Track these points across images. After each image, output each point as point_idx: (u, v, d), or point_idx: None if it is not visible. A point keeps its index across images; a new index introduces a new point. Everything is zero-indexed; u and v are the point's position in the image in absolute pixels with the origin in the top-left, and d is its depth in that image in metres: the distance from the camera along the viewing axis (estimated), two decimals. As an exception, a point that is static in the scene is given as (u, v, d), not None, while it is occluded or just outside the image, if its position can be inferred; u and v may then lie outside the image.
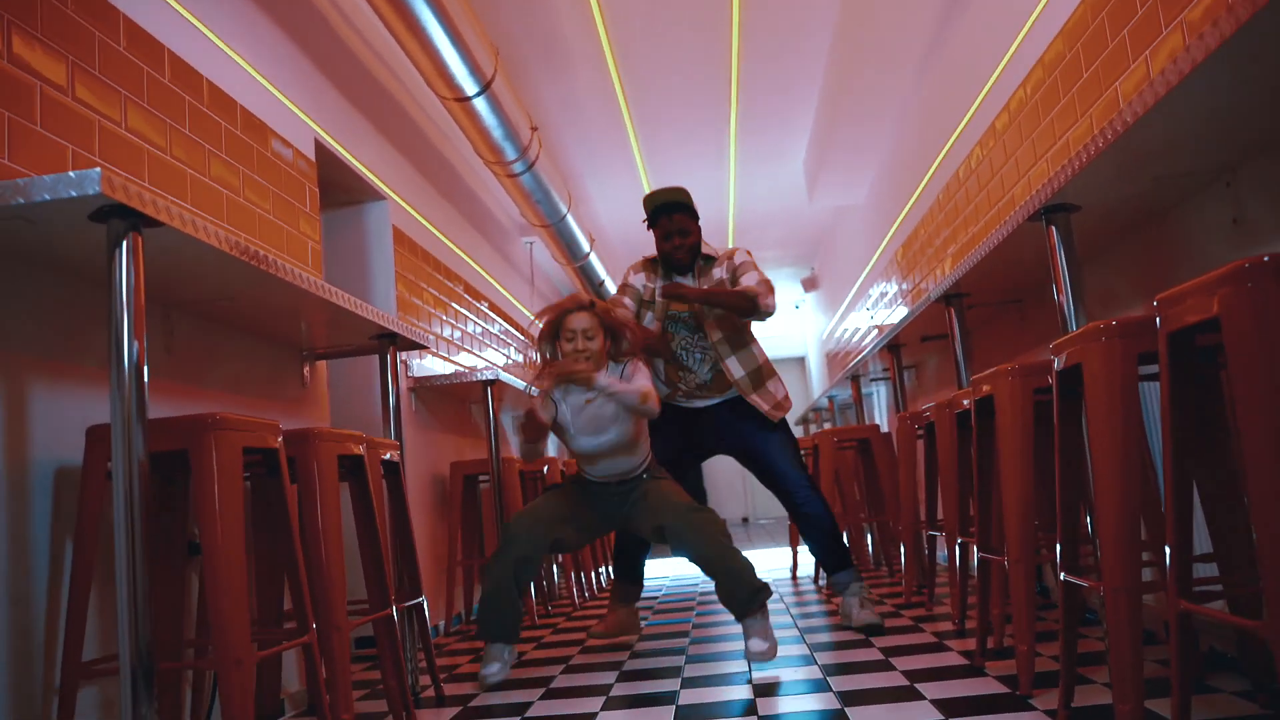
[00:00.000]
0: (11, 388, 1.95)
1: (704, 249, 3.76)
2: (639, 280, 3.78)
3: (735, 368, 3.69)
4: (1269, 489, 1.26)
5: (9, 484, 1.90)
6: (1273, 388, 1.25)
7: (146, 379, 1.77)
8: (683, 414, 3.79)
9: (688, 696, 2.62)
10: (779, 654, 2.99)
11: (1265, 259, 1.28)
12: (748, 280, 3.62)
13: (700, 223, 3.76)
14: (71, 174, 1.61)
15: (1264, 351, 1.26)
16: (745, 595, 2.94)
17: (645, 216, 3.76)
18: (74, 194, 1.61)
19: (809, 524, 3.69)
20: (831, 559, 3.66)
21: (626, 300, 3.75)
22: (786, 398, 3.81)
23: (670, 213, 3.65)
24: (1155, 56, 2.57)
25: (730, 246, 3.79)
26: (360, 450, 2.57)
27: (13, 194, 1.63)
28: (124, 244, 1.76)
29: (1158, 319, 1.54)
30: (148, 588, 1.71)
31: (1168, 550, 1.53)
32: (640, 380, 3.09)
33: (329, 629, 2.28)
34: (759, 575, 3.00)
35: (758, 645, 2.86)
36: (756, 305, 3.54)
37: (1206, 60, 1.57)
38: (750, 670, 2.90)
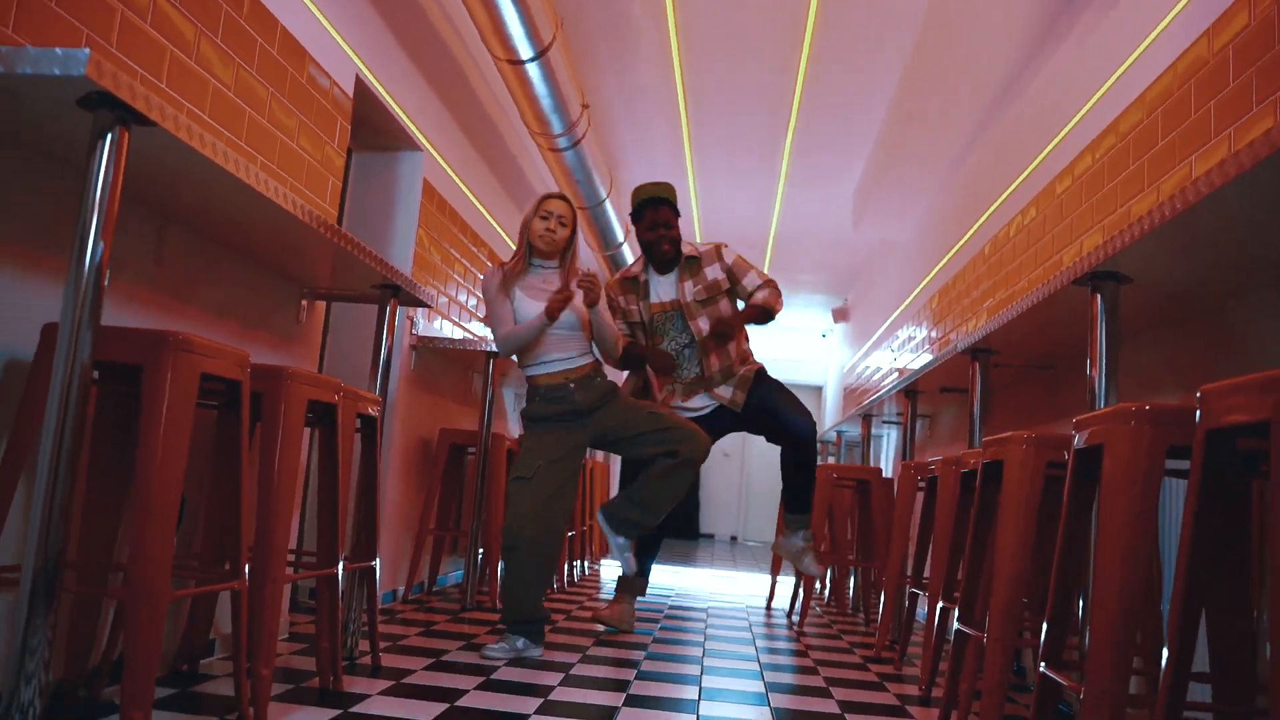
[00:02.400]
0: (-28, 268, 1.84)
1: (685, 249, 4.02)
2: (621, 300, 4.06)
3: (714, 362, 4.03)
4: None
5: (-50, 368, 1.79)
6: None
7: (106, 281, 1.65)
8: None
9: (627, 716, 2.48)
10: (733, 687, 2.85)
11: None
12: (750, 282, 4.00)
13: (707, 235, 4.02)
14: (58, 51, 1.49)
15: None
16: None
17: (631, 209, 4.02)
18: (58, 72, 1.49)
19: (792, 446, 4.06)
20: (794, 497, 4.15)
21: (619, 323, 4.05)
22: (748, 359, 4.13)
23: (656, 206, 3.92)
24: (1240, 135, 2.41)
25: (703, 242, 3.97)
26: (335, 399, 2.44)
27: (-7, 61, 1.51)
28: (107, 137, 1.65)
29: (1198, 412, 1.39)
30: (66, 497, 1.59)
31: (1164, 663, 1.37)
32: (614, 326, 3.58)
33: (263, 578, 2.16)
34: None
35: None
36: (774, 315, 3.98)
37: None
38: (699, 701, 2.76)
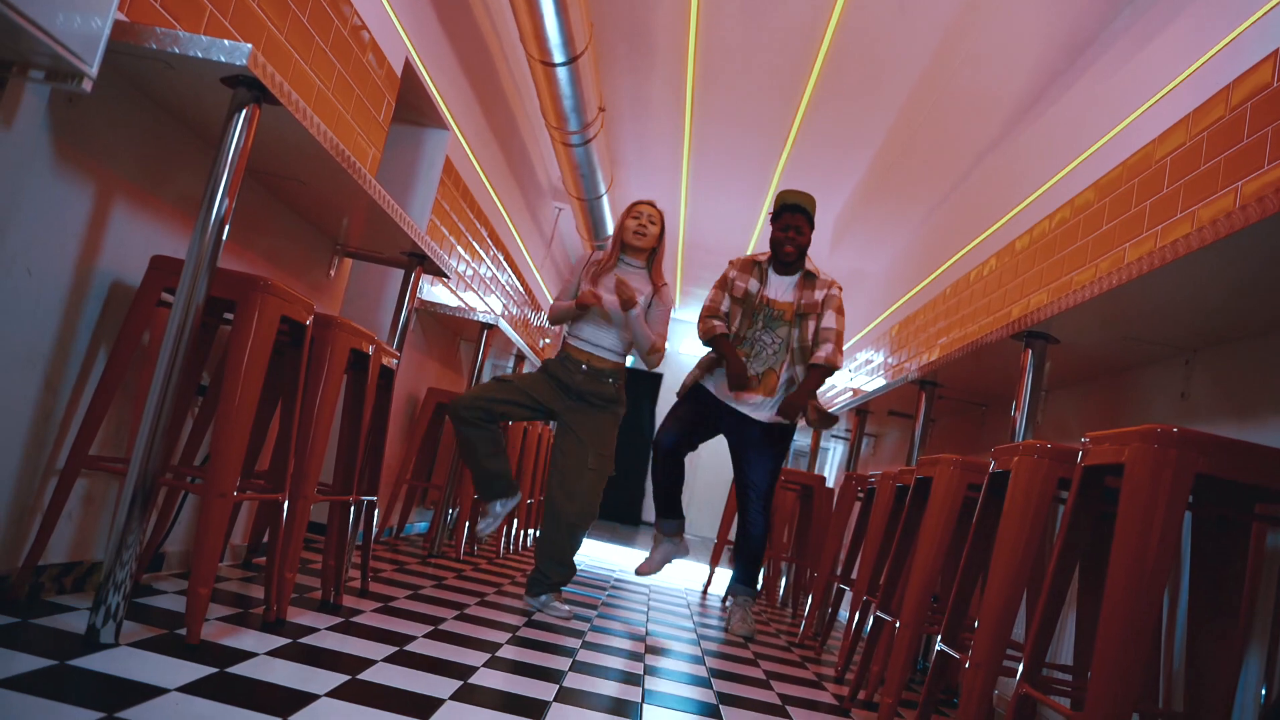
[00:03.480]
0: (100, 199, 2.17)
1: (808, 264, 4.21)
2: (737, 276, 4.24)
3: (785, 374, 4.17)
4: (1114, 607, 1.52)
5: (74, 281, 2.12)
6: (1144, 531, 1.52)
7: (225, 234, 2.00)
8: (713, 402, 4.24)
9: (584, 656, 2.88)
10: (676, 648, 3.26)
11: (1174, 430, 1.54)
12: (827, 321, 4.10)
13: (811, 234, 4.20)
14: (225, 43, 1.84)
15: (1147, 502, 1.53)
16: (559, 579, 3.68)
17: (772, 210, 4.28)
18: (222, 59, 1.84)
19: (745, 539, 4.22)
20: (746, 574, 4.26)
21: (723, 295, 4.24)
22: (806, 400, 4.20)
23: (794, 212, 4.15)
24: (1167, 233, 2.85)
25: (831, 276, 4.23)
26: (369, 350, 2.80)
27: (170, 43, 1.85)
28: (243, 112, 1.99)
29: (1080, 452, 1.80)
30: (172, 411, 1.94)
31: (1027, 638, 1.79)
32: (658, 326, 3.79)
33: (299, 495, 2.52)
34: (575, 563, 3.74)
35: (556, 609, 3.60)
36: (833, 372, 4.14)
37: (1191, 254, 1.84)
38: (645, 653, 3.16)
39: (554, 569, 3.63)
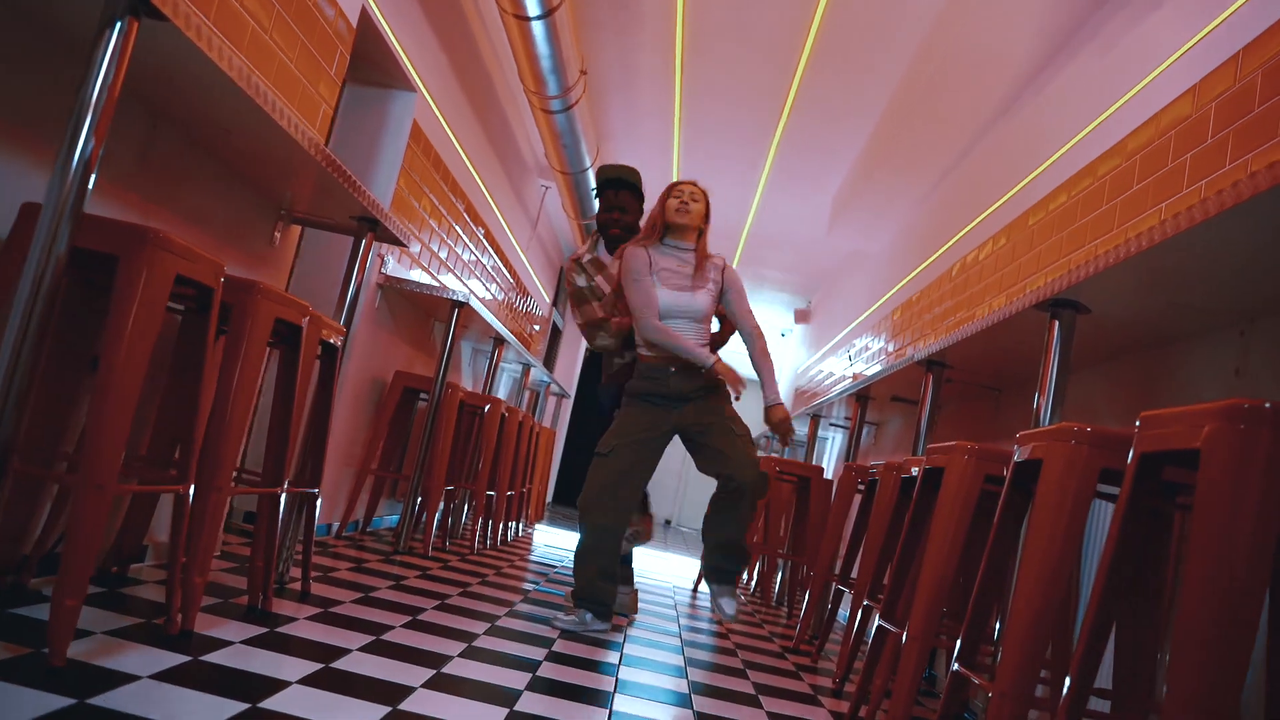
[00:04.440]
0: (-43, 137, 1.83)
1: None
2: (580, 280, 3.87)
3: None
4: (1196, 635, 1.18)
5: (-78, 233, 1.78)
6: (1232, 533, 1.17)
7: (94, 176, 1.65)
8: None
9: (549, 670, 2.54)
10: (653, 657, 2.92)
11: (1266, 405, 1.20)
12: (743, 308, 3.54)
13: (643, 207, 3.92)
14: (79, -73, 1.48)
15: (1236, 499, 1.18)
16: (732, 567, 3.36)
17: (595, 187, 3.98)
18: (76, -51, 1.49)
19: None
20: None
21: (594, 305, 3.85)
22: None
23: (618, 188, 3.87)
24: (1212, 189, 2.50)
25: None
26: (301, 322, 2.45)
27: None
28: (116, 25, 1.64)
29: (1135, 436, 1.46)
30: (26, 381, 1.60)
31: (1072, 674, 1.45)
32: (744, 310, 3.49)
33: (209, 487, 2.17)
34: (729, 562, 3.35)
35: (729, 605, 3.33)
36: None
37: (1253, 199, 1.49)
38: (619, 665, 2.82)
39: (731, 555, 3.32)
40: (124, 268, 1.78)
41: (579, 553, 3.30)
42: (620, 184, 3.87)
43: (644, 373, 3.37)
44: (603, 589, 3.26)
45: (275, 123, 2.12)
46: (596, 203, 4.06)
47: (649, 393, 3.35)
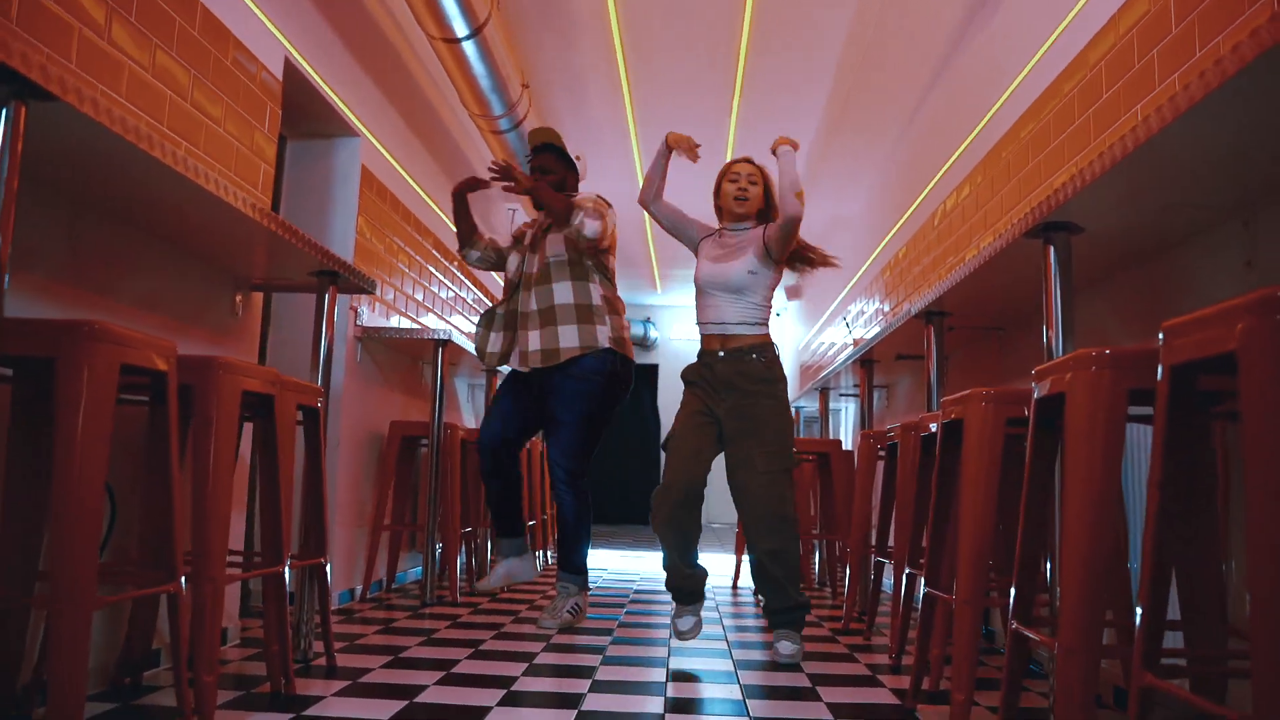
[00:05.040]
0: None
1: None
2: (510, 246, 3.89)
3: (562, 295, 3.64)
4: (1269, 558, 1.06)
5: None
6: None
7: (7, 276, 1.54)
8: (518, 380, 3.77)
9: (594, 701, 2.42)
10: (703, 667, 2.81)
11: (1302, 290, 1.08)
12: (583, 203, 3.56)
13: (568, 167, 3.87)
14: (-63, 16, 1.37)
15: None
16: (782, 607, 3.05)
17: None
18: (-59, 46, 1.38)
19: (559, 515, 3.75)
20: (569, 557, 3.71)
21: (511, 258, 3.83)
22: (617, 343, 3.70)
23: (540, 151, 3.82)
24: (1184, 80, 2.38)
25: (587, 195, 3.73)
26: (272, 390, 2.34)
27: None
28: (2, 113, 1.53)
29: (1160, 350, 1.34)
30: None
31: (1138, 614, 1.33)
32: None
33: (202, 579, 2.05)
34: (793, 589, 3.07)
35: (786, 648, 2.99)
36: (570, 215, 3.51)
37: (1239, 74, 1.38)
38: (667, 681, 2.70)
39: (778, 599, 3.05)
40: (62, 366, 1.67)
41: (665, 557, 3.17)
42: (542, 148, 3.82)
43: (700, 355, 3.25)
44: (692, 578, 3.14)
45: (206, 190, 2.02)
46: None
47: (698, 377, 3.22)
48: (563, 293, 3.63)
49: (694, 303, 3.34)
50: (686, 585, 3.14)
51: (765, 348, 3.18)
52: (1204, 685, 1.56)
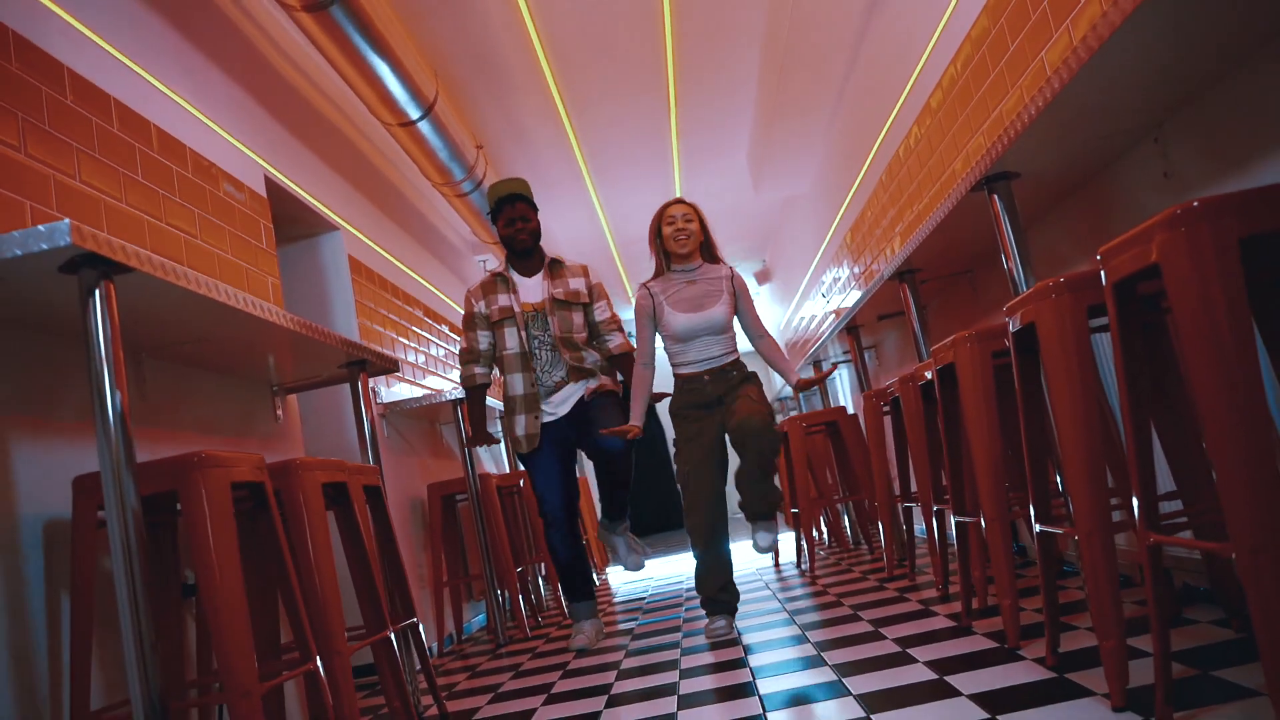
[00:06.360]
0: (-7, 446, 1.96)
1: (550, 253, 4.04)
2: (481, 306, 3.95)
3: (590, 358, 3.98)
4: (1220, 423, 1.34)
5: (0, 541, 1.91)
6: (1213, 325, 1.33)
7: (131, 427, 1.79)
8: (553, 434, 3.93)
9: (688, 686, 2.68)
10: (774, 636, 3.08)
11: (1194, 204, 1.36)
12: (601, 312, 4.00)
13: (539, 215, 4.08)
14: (41, 228, 1.63)
15: (1202, 292, 1.34)
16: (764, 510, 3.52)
17: (490, 209, 4.02)
18: (45, 246, 1.63)
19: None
20: (614, 509, 4.03)
21: (479, 334, 3.95)
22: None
23: (513, 202, 3.92)
24: (1076, 24, 2.68)
25: (577, 262, 4.03)
26: (344, 477, 2.59)
27: (-19, 253, 1.64)
28: (96, 293, 1.78)
29: (1102, 272, 1.62)
30: (153, 632, 1.73)
31: (1134, 489, 1.61)
32: (752, 317, 3.66)
33: (331, 655, 2.30)
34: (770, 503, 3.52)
35: (764, 538, 3.52)
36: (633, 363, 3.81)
37: (1125, 21, 1.66)
38: (746, 655, 2.96)
39: (759, 495, 3.45)
40: (186, 494, 1.92)
41: (698, 573, 3.51)
42: (514, 198, 3.93)
43: (683, 386, 3.53)
44: (726, 597, 3.48)
45: (244, 312, 2.26)
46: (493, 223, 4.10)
47: (692, 404, 3.51)
48: (590, 357, 3.97)
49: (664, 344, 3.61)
50: (722, 597, 3.48)
51: (737, 360, 3.58)
52: (1205, 534, 1.84)
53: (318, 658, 2.19)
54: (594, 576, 4.08)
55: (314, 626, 2.33)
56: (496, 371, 4.01)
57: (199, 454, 1.94)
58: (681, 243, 3.54)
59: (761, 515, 3.51)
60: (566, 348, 3.88)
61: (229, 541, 1.93)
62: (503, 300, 3.92)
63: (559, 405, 3.91)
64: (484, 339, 3.94)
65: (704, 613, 3.56)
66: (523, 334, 3.88)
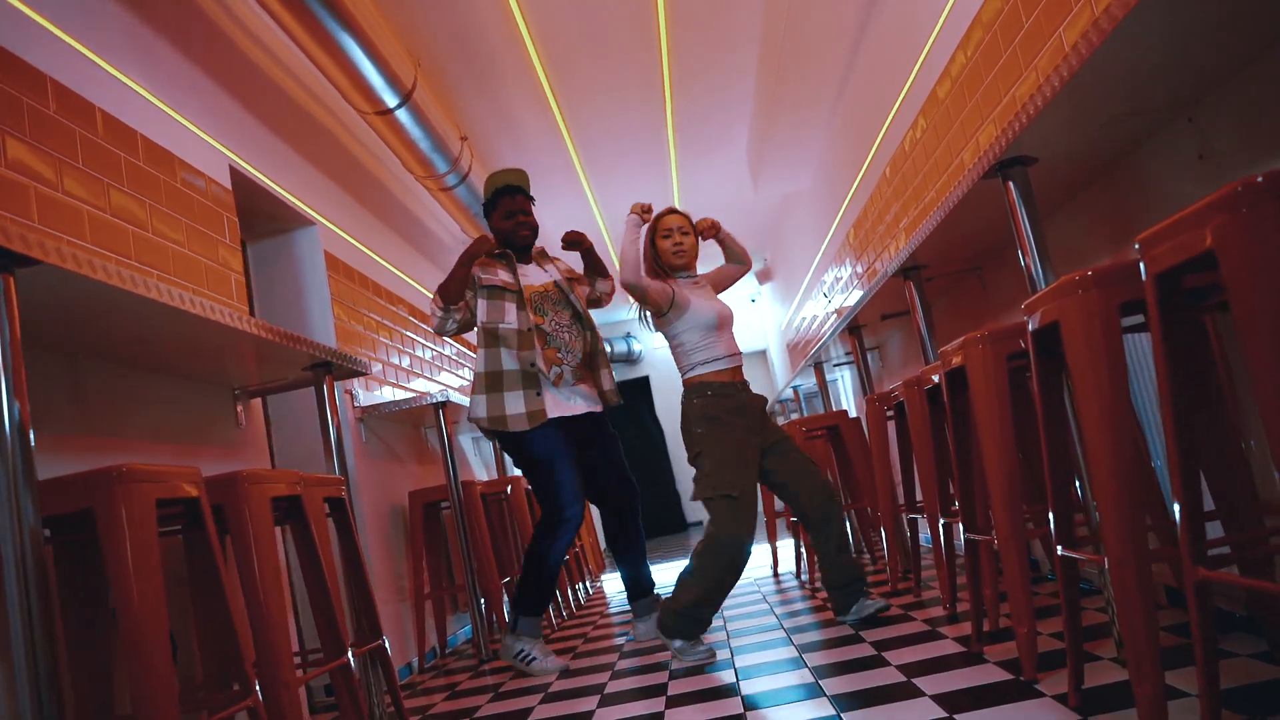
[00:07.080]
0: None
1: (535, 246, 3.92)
2: (478, 272, 3.71)
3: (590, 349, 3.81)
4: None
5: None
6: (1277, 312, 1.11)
7: (33, 438, 1.58)
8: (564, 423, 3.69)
9: (673, 717, 2.46)
10: (768, 658, 2.85)
11: (1259, 179, 1.14)
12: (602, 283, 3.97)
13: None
14: (-84, 210, 1.41)
15: (1272, 283, 1.12)
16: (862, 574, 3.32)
17: (484, 199, 3.86)
18: (-80, 234, 1.42)
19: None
20: (643, 586, 3.82)
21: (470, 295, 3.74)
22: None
23: (512, 194, 3.76)
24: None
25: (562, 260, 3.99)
26: (297, 490, 2.38)
27: None
28: (-7, 285, 1.57)
29: (1141, 262, 1.40)
30: (52, 666, 1.52)
31: (1177, 513, 1.39)
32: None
33: (276, 686, 2.09)
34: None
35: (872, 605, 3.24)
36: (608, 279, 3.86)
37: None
38: (738, 681, 2.74)
39: (851, 563, 3.28)
40: (102, 514, 1.70)
41: (715, 593, 3.14)
42: (514, 189, 3.78)
43: (718, 390, 3.24)
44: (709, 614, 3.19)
45: (184, 311, 2.06)
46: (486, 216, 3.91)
47: (727, 410, 3.22)
48: (595, 340, 3.82)
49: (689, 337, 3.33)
50: (709, 616, 3.18)
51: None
52: (1252, 568, 1.62)
53: (258, 690, 1.97)
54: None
55: (260, 655, 2.11)
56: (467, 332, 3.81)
57: (117, 468, 1.72)
58: (679, 255, 3.41)
59: (862, 581, 3.28)
60: (586, 326, 3.76)
61: (150, 564, 1.71)
62: (504, 275, 3.68)
63: (576, 398, 3.69)
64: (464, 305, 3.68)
65: (677, 638, 3.14)
66: (528, 313, 3.64)
